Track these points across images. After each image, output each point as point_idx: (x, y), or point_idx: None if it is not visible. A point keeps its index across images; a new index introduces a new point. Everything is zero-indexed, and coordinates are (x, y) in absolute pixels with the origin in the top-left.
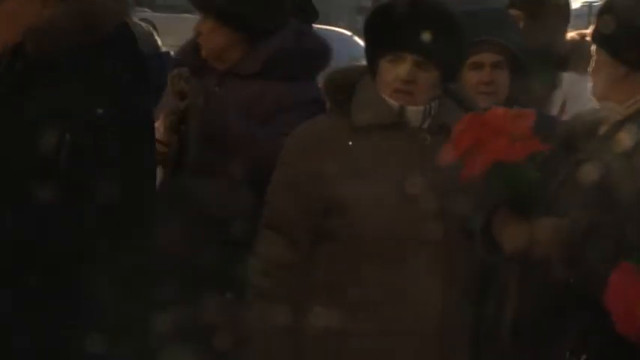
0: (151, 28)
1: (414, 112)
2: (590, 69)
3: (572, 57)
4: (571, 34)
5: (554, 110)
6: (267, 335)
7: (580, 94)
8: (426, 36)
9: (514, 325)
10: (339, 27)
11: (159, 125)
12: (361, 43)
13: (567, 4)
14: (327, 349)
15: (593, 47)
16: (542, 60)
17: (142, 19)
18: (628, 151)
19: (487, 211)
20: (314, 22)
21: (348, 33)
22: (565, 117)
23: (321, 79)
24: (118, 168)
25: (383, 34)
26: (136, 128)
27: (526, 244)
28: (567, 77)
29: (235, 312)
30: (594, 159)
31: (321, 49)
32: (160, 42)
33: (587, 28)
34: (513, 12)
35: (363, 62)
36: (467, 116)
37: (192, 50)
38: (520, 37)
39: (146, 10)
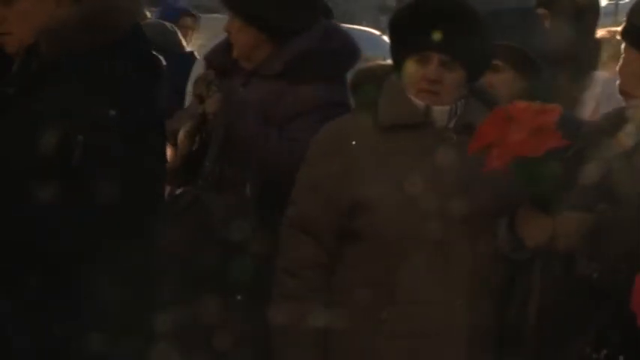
0: (175, 28)
1: (440, 112)
2: (618, 67)
3: (602, 55)
4: (600, 32)
5: (587, 111)
6: (292, 336)
7: (613, 94)
8: (452, 36)
9: (537, 321)
10: (362, 26)
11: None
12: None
13: (596, 2)
14: (352, 349)
15: (623, 45)
16: (569, 59)
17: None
18: None
19: (511, 208)
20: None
21: (377, 32)
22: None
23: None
24: (119, 168)
25: (408, 33)
26: (143, 129)
27: (548, 238)
28: (600, 77)
29: (236, 312)
30: (618, 156)
31: (348, 49)
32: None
33: (613, 26)
34: (540, 11)
35: (390, 61)
36: (494, 111)
37: (223, 49)
38: (538, 37)
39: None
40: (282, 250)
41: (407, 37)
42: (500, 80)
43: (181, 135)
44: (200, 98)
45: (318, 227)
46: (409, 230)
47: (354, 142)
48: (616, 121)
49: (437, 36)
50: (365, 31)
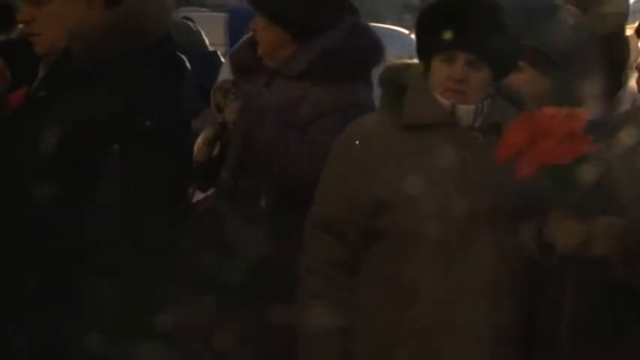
0: (199, 27)
1: (466, 111)
2: (636, 64)
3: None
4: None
5: (624, 108)
6: (316, 335)
7: None
8: (478, 35)
9: (572, 327)
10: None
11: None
12: None
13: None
14: (373, 349)
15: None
16: (599, 57)
17: (185, 18)
18: None
19: (541, 212)
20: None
21: (406, 31)
22: None
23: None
24: (143, 172)
25: (434, 32)
26: (169, 132)
27: (580, 244)
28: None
29: (236, 312)
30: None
31: (373, 47)
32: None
33: None
34: (569, 7)
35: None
36: (522, 116)
37: (247, 47)
38: (559, 35)
39: (203, 9)
40: (305, 250)
41: (433, 36)
42: (522, 80)
43: (199, 142)
44: (218, 108)
45: (342, 227)
46: (432, 230)
47: (377, 141)
48: (621, 120)
49: (462, 35)
50: (390, 29)
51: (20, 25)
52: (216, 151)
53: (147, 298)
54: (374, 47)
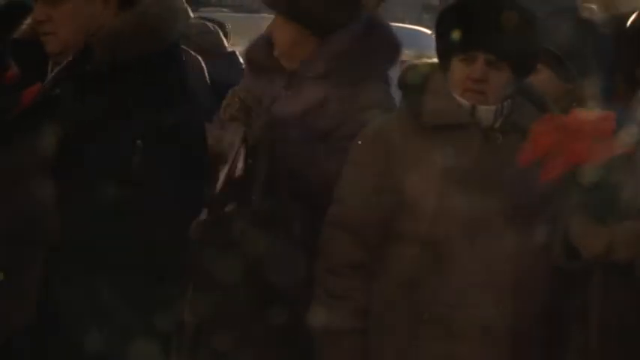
0: (217, 28)
1: (486, 112)
2: None
3: None
4: None
5: None
6: (332, 334)
7: None
8: (498, 35)
9: (600, 331)
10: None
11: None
12: None
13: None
14: (391, 350)
15: None
16: (619, 56)
17: (206, 19)
18: None
19: (565, 216)
20: None
21: (428, 31)
22: None
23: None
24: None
25: (454, 32)
26: (184, 133)
27: (605, 248)
28: None
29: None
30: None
31: (390, 45)
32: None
33: None
34: (589, 6)
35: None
36: (545, 118)
37: (262, 46)
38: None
39: (224, 10)
40: (325, 250)
41: (452, 36)
42: (539, 80)
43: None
44: (232, 119)
45: (361, 227)
46: (452, 231)
47: (397, 141)
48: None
49: (483, 35)
50: (412, 29)
51: (24, 25)
52: (239, 172)
53: (147, 298)
54: (391, 45)
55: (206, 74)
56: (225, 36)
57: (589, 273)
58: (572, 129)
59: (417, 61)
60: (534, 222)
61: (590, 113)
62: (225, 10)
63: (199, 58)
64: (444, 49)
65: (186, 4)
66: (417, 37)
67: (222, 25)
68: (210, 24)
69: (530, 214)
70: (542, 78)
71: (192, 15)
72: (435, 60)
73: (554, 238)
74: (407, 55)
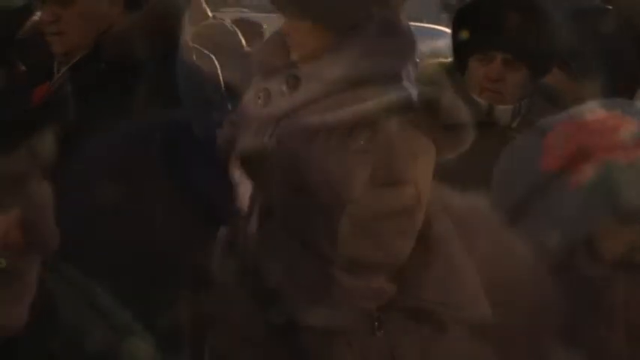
0: (235, 28)
1: (503, 111)
2: None
3: None
4: None
5: None
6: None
7: None
8: (515, 34)
9: (624, 335)
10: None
11: None
12: None
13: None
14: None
15: None
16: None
17: (244, 20)
18: None
19: (589, 220)
20: None
21: (447, 30)
22: None
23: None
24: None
25: (471, 32)
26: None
27: (629, 250)
28: None
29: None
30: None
31: (407, 44)
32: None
33: None
34: (602, 6)
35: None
36: (563, 122)
37: (274, 47)
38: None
39: (244, 10)
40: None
41: (469, 35)
42: (551, 82)
43: None
44: None
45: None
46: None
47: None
48: None
49: (499, 35)
50: (431, 28)
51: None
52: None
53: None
54: (408, 43)
55: (220, 74)
56: (261, 36)
57: (613, 275)
58: (596, 130)
59: (434, 60)
60: (535, 222)
61: (612, 114)
62: (245, 10)
63: (213, 57)
64: (461, 48)
65: (205, 5)
66: (435, 35)
67: (257, 26)
68: (228, 24)
69: (532, 213)
70: (554, 79)
71: (210, 15)
72: (452, 59)
73: (574, 242)
74: (424, 54)
